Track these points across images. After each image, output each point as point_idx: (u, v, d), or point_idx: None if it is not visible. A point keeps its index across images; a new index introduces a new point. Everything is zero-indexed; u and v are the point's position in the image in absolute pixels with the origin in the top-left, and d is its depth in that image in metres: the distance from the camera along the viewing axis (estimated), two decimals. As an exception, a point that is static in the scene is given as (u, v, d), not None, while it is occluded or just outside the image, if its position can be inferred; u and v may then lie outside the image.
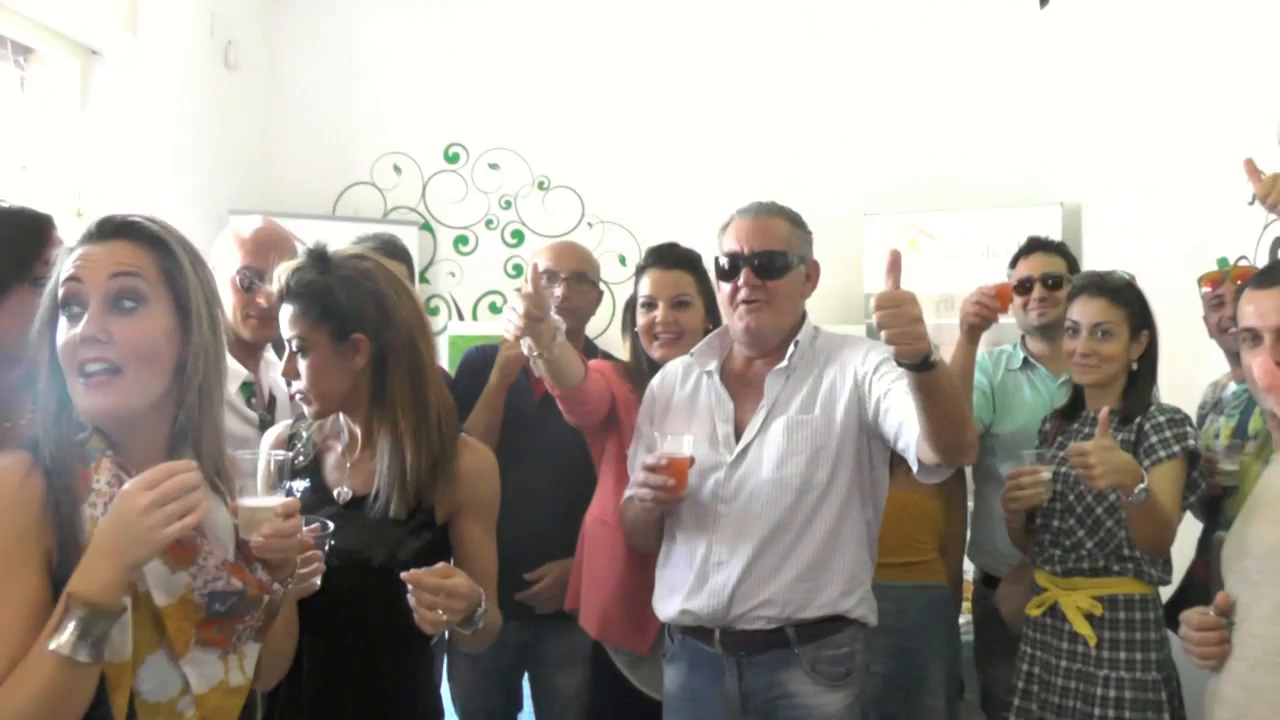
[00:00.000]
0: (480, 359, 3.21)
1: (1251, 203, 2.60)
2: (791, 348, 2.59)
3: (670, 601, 2.59)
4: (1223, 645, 2.21)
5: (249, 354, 2.86)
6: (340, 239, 3.04)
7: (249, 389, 2.83)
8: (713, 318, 3.02)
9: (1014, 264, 3.54)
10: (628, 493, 2.69)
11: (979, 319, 3.03)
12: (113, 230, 1.68)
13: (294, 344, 2.18)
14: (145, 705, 1.60)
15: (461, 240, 5.70)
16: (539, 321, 2.54)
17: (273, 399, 2.92)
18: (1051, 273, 3.43)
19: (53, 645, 1.46)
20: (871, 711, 2.67)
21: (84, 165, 4.39)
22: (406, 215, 5.65)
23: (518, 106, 5.66)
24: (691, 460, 2.46)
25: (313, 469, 2.25)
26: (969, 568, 3.65)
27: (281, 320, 2.19)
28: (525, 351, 2.66)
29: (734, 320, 2.61)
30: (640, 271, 3.07)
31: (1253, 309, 2.27)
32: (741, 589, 2.48)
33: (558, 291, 3.20)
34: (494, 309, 5.62)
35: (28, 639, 1.49)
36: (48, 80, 4.34)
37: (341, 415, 2.25)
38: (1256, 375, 2.26)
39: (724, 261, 2.60)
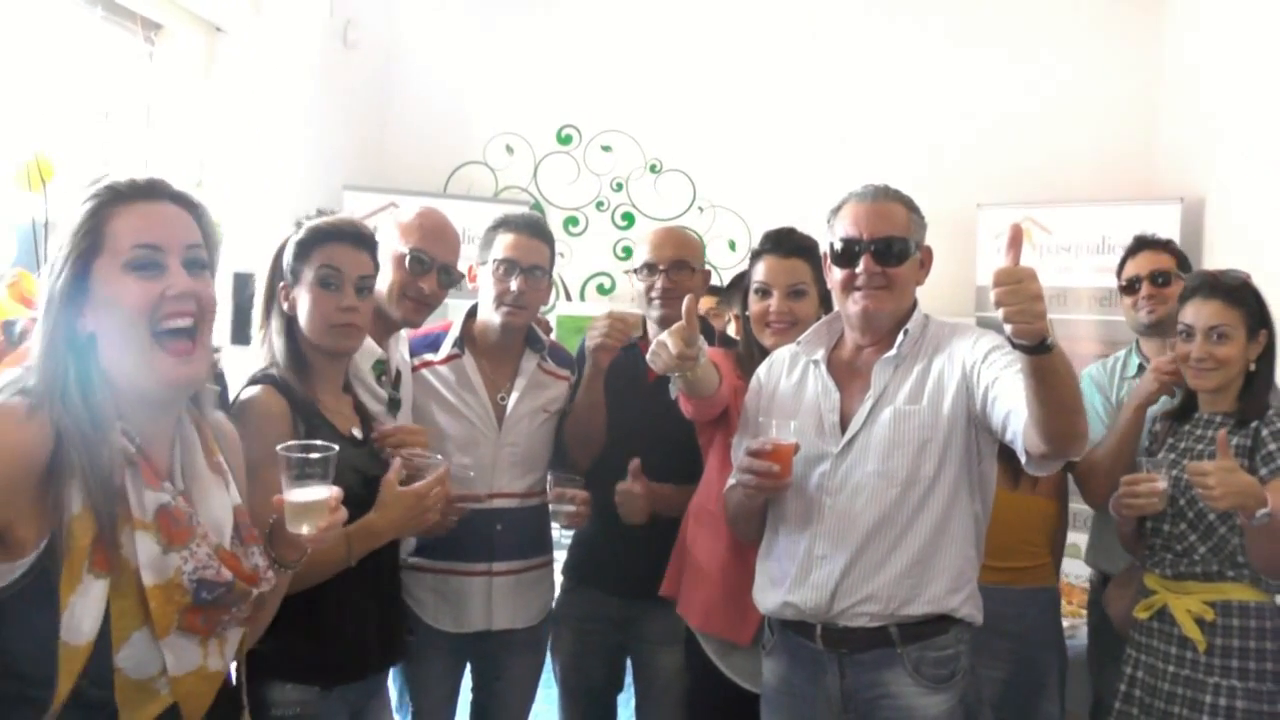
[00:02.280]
0: None
1: None
2: (901, 336, 2.54)
3: (772, 594, 2.58)
4: None
5: (385, 332, 2.92)
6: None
7: (380, 367, 2.87)
8: (827, 307, 2.97)
9: (1122, 265, 3.50)
10: (731, 480, 2.68)
11: (1163, 389, 3.03)
12: (167, 195, 1.74)
13: None
14: (125, 681, 1.61)
15: (572, 221, 5.75)
16: (693, 359, 2.57)
17: (398, 376, 2.98)
18: (1160, 269, 3.39)
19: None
20: (991, 716, 2.63)
21: (207, 139, 4.52)
22: (518, 195, 5.73)
23: (631, 90, 5.71)
24: (796, 446, 2.43)
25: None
26: (1084, 571, 3.60)
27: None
28: (659, 370, 2.65)
29: (848, 305, 2.57)
30: (756, 257, 3.04)
31: None
32: (845, 584, 2.45)
33: (659, 284, 3.20)
34: (602, 290, 5.67)
35: None
36: (174, 56, 4.47)
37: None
38: None
39: (839, 246, 2.55)
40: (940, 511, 2.45)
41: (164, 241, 1.68)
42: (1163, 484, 2.71)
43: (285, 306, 2.47)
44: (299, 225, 2.51)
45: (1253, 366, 2.84)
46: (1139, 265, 3.42)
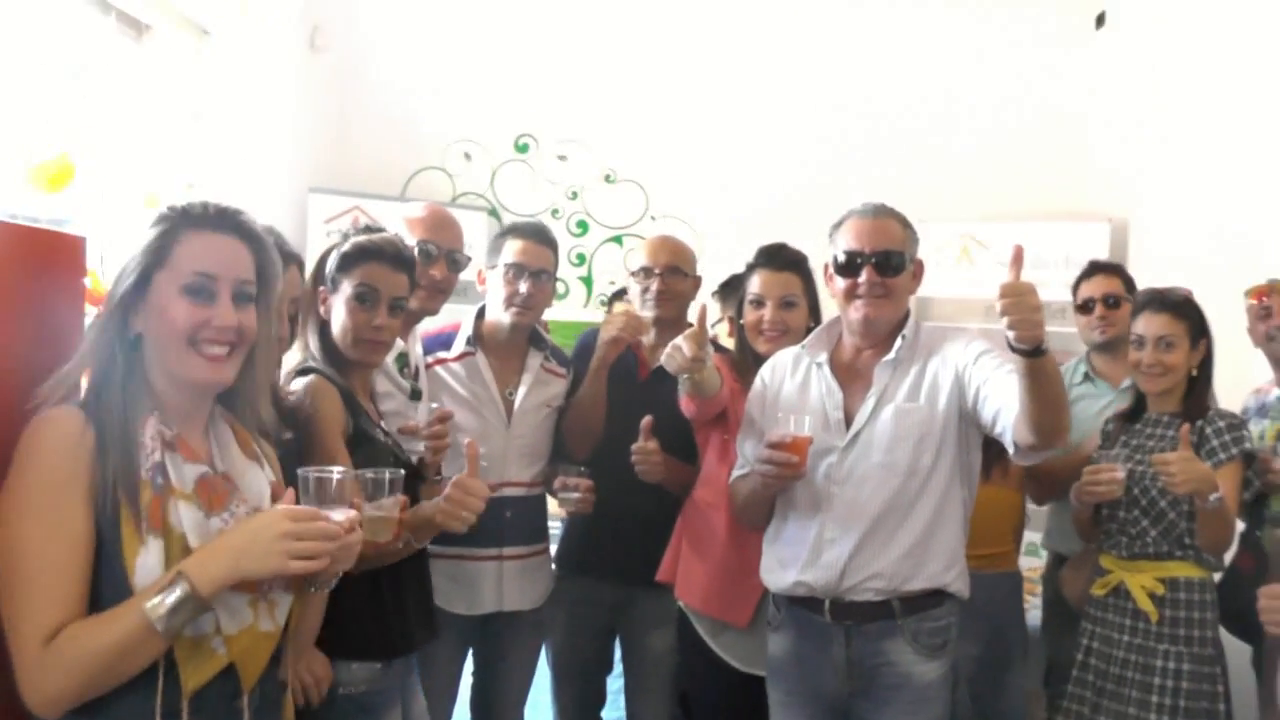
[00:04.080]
0: (594, 340, 3.45)
1: None
2: (899, 340, 2.79)
3: (783, 574, 2.81)
4: None
5: (406, 325, 3.06)
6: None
7: (403, 359, 3.06)
8: (814, 316, 3.24)
9: (1076, 286, 3.84)
10: (740, 471, 2.93)
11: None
12: (233, 227, 1.87)
13: None
14: (182, 640, 1.69)
15: (527, 228, 5.90)
16: (702, 362, 2.84)
17: (418, 370, 3.17)
18: (1111, 293, 3.73)
19: (150, 604, 1.63)
20: (966, 689, 2.93)
21: (188, 141, 4.64)
22: (475, 201, 5.87)
23: (588, 101, 5.89)
24: (811, 439, 2.66)
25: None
26: (1029, 560, 3.93)
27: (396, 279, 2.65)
28: (673, 371, 2.93)
29: (850, 311, 2.81)
30: (750, 270, 3.27)
31: None
32: (853, 564, 2.70)
33: (654, 287, 3.43)
34: (558, 296, 5.81)
35: (81, 568, 1.68)
36: (161, 57, 4.59)
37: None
38: None
39: (843, 259, 2.79)
40: (937, 498, 2.72)
41: (220, 272, 1.83)
42: (1121, 474, 3.04)
43: (322, 310, 2.63)
44: (345, 237, 2.68)
45: (1194, 372, 3.20)
46: (1093, 288, 3.76)
